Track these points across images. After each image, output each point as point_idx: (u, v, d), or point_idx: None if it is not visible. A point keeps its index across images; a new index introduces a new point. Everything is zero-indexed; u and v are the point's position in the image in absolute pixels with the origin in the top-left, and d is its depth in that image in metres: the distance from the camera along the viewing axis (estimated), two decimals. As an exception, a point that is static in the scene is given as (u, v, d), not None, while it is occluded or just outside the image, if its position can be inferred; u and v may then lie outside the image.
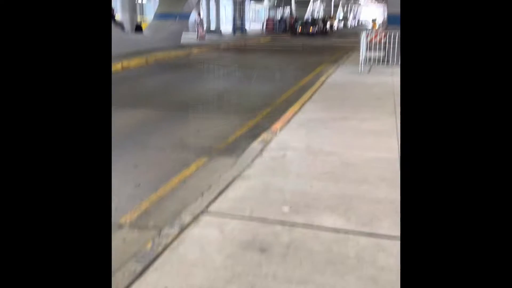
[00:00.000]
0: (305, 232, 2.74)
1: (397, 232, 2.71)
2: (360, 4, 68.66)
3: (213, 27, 30.00)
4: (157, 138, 5.38)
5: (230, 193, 3.36)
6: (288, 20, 35.52)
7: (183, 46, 18.68)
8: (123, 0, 18.80)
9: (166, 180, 4.04)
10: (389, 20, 11.09)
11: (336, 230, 2.75)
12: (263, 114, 6.66)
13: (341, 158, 4.14)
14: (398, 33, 10.46)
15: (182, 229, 2.82)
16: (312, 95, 7.42)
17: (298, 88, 8.95)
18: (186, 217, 2.98)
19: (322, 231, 2.74)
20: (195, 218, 2.96)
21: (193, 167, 4.37)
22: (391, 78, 9.16)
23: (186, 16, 20.18)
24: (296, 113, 6.07)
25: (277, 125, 5.47)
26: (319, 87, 8.23)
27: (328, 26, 36.55)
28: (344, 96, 7.30)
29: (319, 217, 2.93)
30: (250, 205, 3.12)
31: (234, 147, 5.01)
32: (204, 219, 2.95)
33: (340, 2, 59.46)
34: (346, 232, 2.72)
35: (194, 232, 2.78)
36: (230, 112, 6.86)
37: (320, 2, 55.42)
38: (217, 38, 25.55)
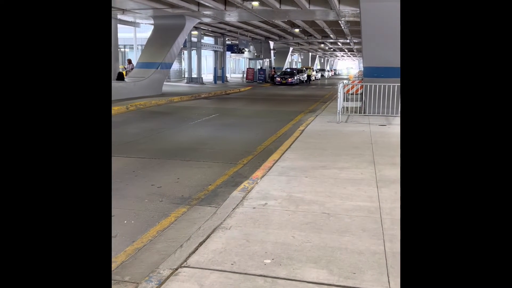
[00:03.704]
0: (288, 286, 2.66)
1: (381, 286, 2.67)
2: (336, 56, 71.67)
3: (194, 76, 30.62)
4: (136, 187, 5.28)
5: (210, 244, 3.28)
6: (268, 70, 36.61)
7: (164, 94, 18.89)
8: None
9: (144, 231, 3.92)
10: (365, 73, 11.57)
11: (319, 284, 2.68)
12: (244, 162, 6.66)
13: (322, 207, 4.14)
14: (373, 85, 10.88)
15: (161, 283, 2.70)
16: (292, 143, 7.51)
17: (278, 136, 9.07)
18: (165, 271, 2.87)
19: (305, 285, 2.67)
20: (174, 272, 2.85)
21: (172, 217, 4.28)
22: (368, 127, 9.41)
23: (168, 66, 20.57)
24: (276, 161, 6.10)
25: (258, 173, 5.46)
26: (298, 135, 8.36)
27: (306, 76, 37.81)
28: (323, 145, 7.41)
29: (302, 269, 2.86)
30: (230, 258, 3.04)
31: (214, 196, 4.95)
32: (183, 272, 2.85)
33: (317, 55, 62.03)
34: (330, 285, 2.66)
35: (172, 286, 2.67)
36: (210, 159, 6.84)
37: (298, 54, 57.68)
38: (198, 87, 26.01)
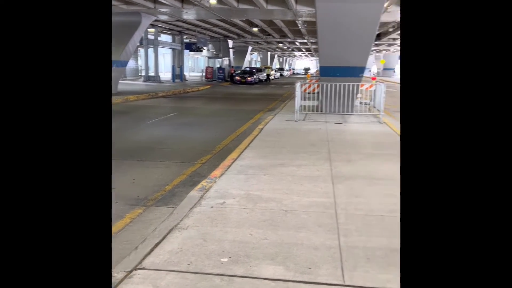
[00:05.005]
0: (245, 284, 2.66)
1: (335, 279, 2.73)
2: (295, 55, 72.62)
3: (152, 74, 29.99)
4: (89, 189, 5.10)
5: (166, 245, 3.22)
6: (227, 69, 36.50)
7: (120, 93, 18.37)
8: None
9: (98, 233, 3.79)
10: (322, 72, 11.79)
11: (275, 280, 2.70)
12: (203, 161, 6.61)
13: (279, 204, 4.17)
14: (330, 84, 11.12)
15: (114, 286, 2.62)
16: (250, 142, 7.53)
17: (237, 135, 9.06)
18: (118, 274, 2.79)
19: (261, 282, 2.69)
20: (128, 274, 2.78)
21: (127, 219, 4.16)
22: (325, 125, 9.60)
23: (123, 64, 20.02)
24: (235, 160, 6.09)
25: (217, 172, 5.43)
26: (257, 134, 8.40)
27: (265, 75, 38.02)
28: (281, 143, 7.49)
29: (259, 267, 2.87)
30: (187, 258, 3.00)
31: (171, 196, 4.87)
32: (138, 274, 2.78)
33: (276, 54, 62.59)
34: (286, 281, 2.69)
35: (126, 290, 2.60)
36: (168, 159, 6.73)
37: (257, 53, 57.94)
38: (156, 85, 25.50)
